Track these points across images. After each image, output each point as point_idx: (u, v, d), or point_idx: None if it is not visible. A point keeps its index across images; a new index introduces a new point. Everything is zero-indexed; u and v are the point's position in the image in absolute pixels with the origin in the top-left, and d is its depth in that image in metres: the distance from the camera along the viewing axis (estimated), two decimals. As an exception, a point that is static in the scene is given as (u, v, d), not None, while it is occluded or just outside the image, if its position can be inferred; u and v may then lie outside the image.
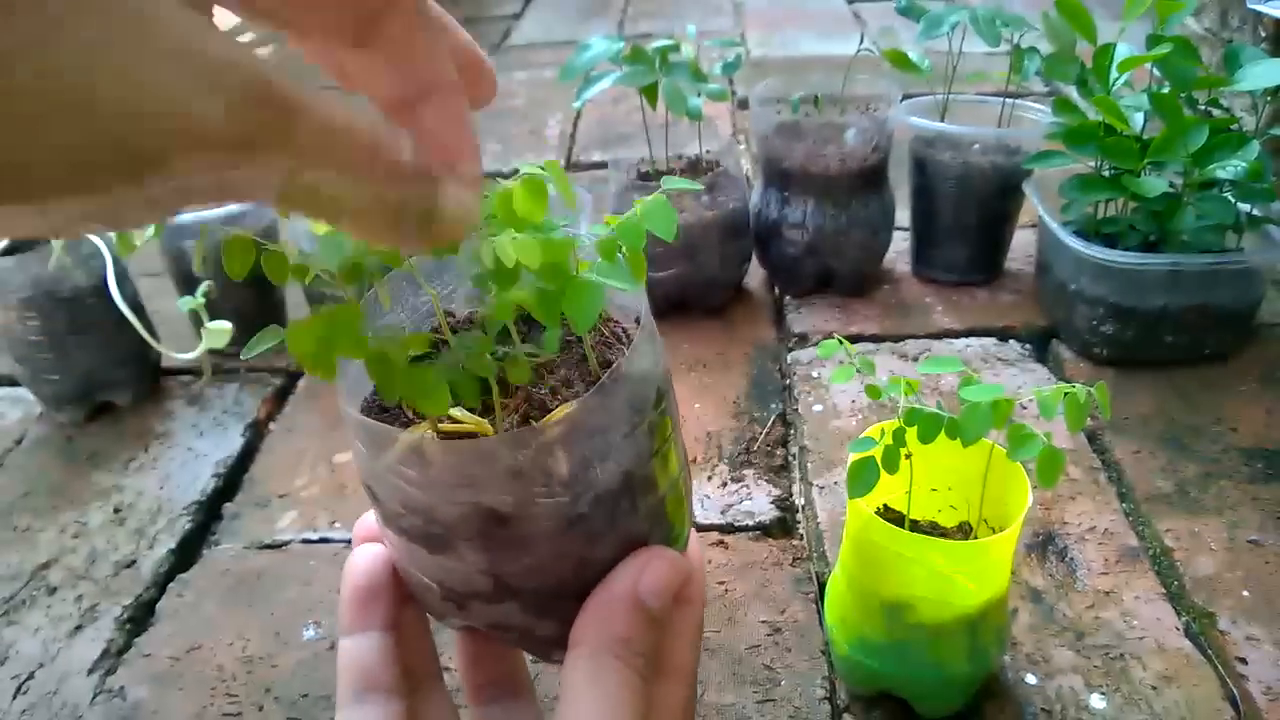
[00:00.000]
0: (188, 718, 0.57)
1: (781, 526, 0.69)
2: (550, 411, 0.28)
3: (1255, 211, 0.77)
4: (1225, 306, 0.80)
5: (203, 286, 0.74)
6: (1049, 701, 0.54)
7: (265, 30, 0.25)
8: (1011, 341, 0.88)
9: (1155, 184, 0.73)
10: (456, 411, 0.28)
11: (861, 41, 0.92)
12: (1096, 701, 0.54)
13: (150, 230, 0.73)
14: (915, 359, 0.85)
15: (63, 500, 0.75)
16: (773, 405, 0.81)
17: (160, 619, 0.64)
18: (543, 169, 0.27)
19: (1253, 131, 0.76)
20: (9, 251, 0.77)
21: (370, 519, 0.33)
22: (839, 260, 0.92)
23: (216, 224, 0.85)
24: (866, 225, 0.91)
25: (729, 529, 0.68)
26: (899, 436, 0.46)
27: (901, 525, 0.50)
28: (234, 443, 0.81)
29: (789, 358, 0.87)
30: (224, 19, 0.23)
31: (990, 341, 0.88)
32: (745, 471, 0.74)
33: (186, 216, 0.84)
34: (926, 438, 0.45)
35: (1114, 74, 0.77)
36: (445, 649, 0.37)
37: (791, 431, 0.79)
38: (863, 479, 0.46)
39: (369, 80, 0.25)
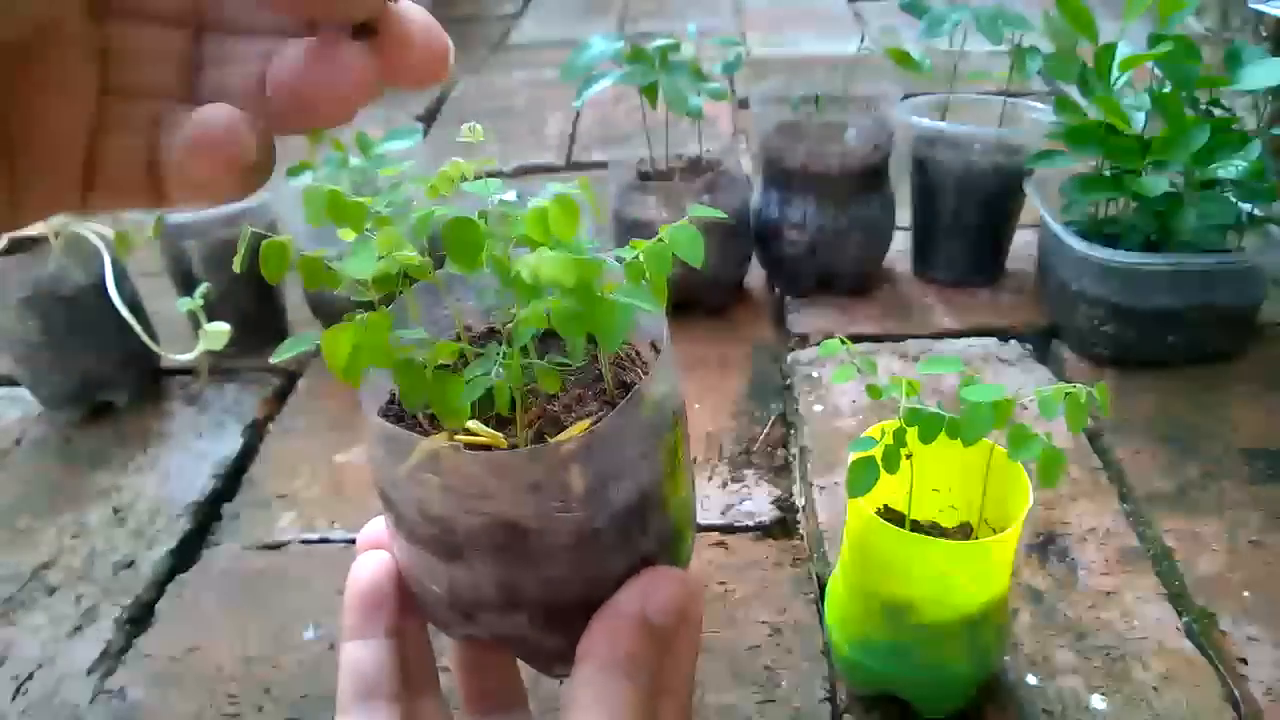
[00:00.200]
0: (187, 718, 0.57)
1: (782, 527, 0.68)
2: (565, 427, 0.29)
3: (1256, 211, 0.77)
4: (1226, 306, 0.79)
5: (201, 288, 0.74)
6: (1050, 702, 0.54)
7: None
8: (1012, 341, 0.87)
9: (1157, 184, 0.73)
10: (472, 424, 0.28)
11: (862, 41, 0.92)
12: (1097, 702, 0.54)
13: (150, 230, 0.73)
14: (916, 359, 0.85)
15: (62, 500, 0.75)
16: (773, 405, 0.81)
17: (159, 619, 0.64)
18: (577, 188, 0.27)
19: (1254, 131, 0.76)
20: (9, 251, 0.77)
21: (375, 525, 0.34)
22: (840, 260, 0.92)
23: (217, 224, 0.85)
24: (867, 225, 0.91)
25: (729, 529, 0.68)
26: (899, 436, 0.46)
27: (902, 525, 0.50)
28: (233, 443, 0.80)
29: (789, 358, 0.87)
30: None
31: (991, 341, 0.88)
32: (745, 472, 0.74)
33: (186, 216, 0.84)
34: (927, 438, 0.45)
35: (1115, 73, 0.77)
36: (439, 656, 0.36)
37: (792, 432, 0.79)
38: (863, 479, 0.46)
39: None
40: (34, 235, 0.77)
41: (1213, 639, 0.57)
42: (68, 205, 0.23)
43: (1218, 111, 0.77)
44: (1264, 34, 1.08)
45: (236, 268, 0.27)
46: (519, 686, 0.37)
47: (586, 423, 0.28)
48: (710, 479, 0.73)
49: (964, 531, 0.55)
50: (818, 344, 0.88)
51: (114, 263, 0.77)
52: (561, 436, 0.28)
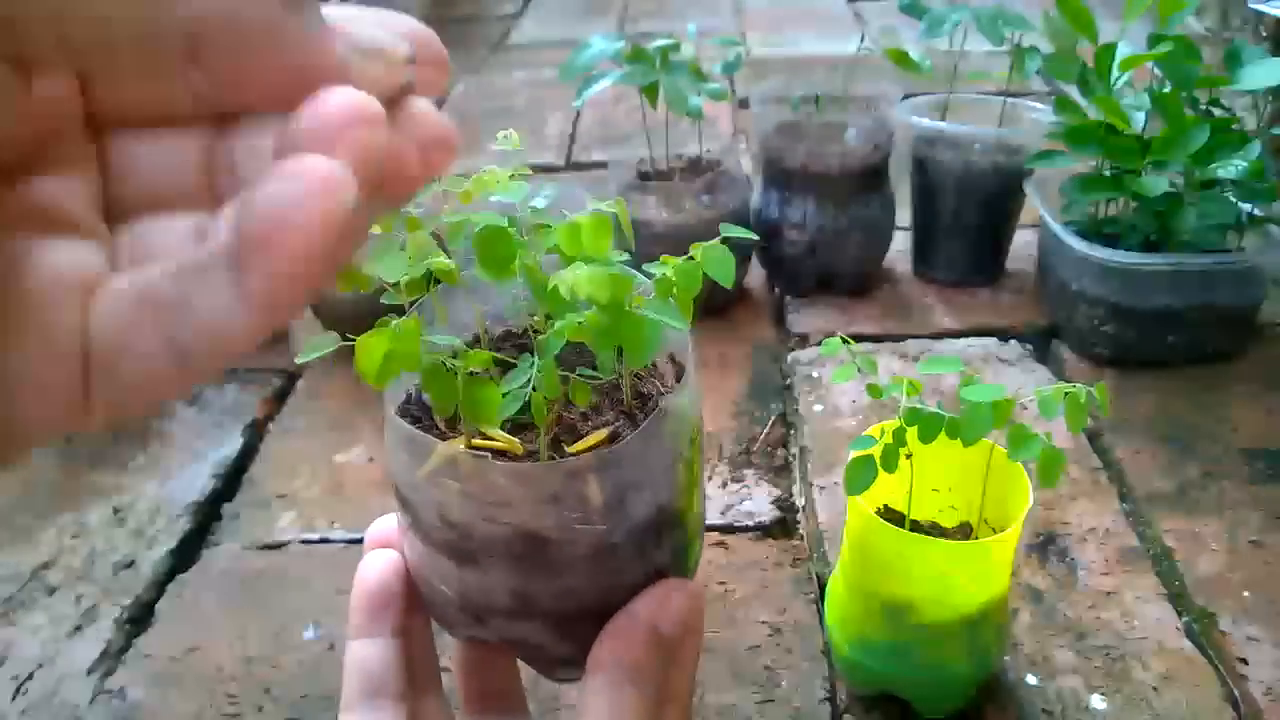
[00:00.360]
0: (187, 718, 0.57)
1: (782, 527, 0.68)
2: (581, 435, 0.29)
3: (1256, 211, 0.77)
4: (1226, 306, 0.79)
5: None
6: (1050, 702, 0.54)
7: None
8: (1012, 341, 0.87)
9: (1156, 183, 0.73)
10: (489, 429, 0.28)
11: (862, 41, 0.92)
12: (1097, 702, 0.54)
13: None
14: (916, 359, 0.85)
15: (62, 500, 0.75)
16: (773, 405, 0.81)
17: (159, 619, 0.64)
18: (612, 207, 0.28)
19: (1254, 131, 0.76)
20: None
21: (383, 524, 0.34)
22: (839, 260, 0.92)
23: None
24: (867, 225, 0.91)
25: (729, 529, 0.68)
26: (899, 436, 0.46)
27: (902, 525, 0.50)
28: (233, 443, 0.80)
29: (789, 358, 0.87)
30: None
31: (991, 341, 0.88)
32: (745, 472, 0.74)
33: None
34: (927, 438, 0.45)
35: (1115, 73, 0.77)
36: (440, 654, 0.36)
37: (792, 432, 0.79)
38: (861, 476, 0.46)
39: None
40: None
41: (1213, 639, 0.57)
42: (66, 416, 0.18)
43: (1217, 111, 0.77)
44: (1264, 34, 1.08)
45: None
46: (519, 688, 0.37)
47: (604, 432, 0.29)
48: (710, 479, 0.73)
49: (964, 531, 0.55)
50: (818, 344, 0.88)
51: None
52: (579, 445, 0.29)
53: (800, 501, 0.71)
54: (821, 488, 0.70)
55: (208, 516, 0.73)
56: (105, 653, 0.61)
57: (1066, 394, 0.44)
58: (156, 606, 0.65)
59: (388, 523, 0.34)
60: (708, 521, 0.69)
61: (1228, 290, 0.79)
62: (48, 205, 0.18)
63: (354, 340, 0.26)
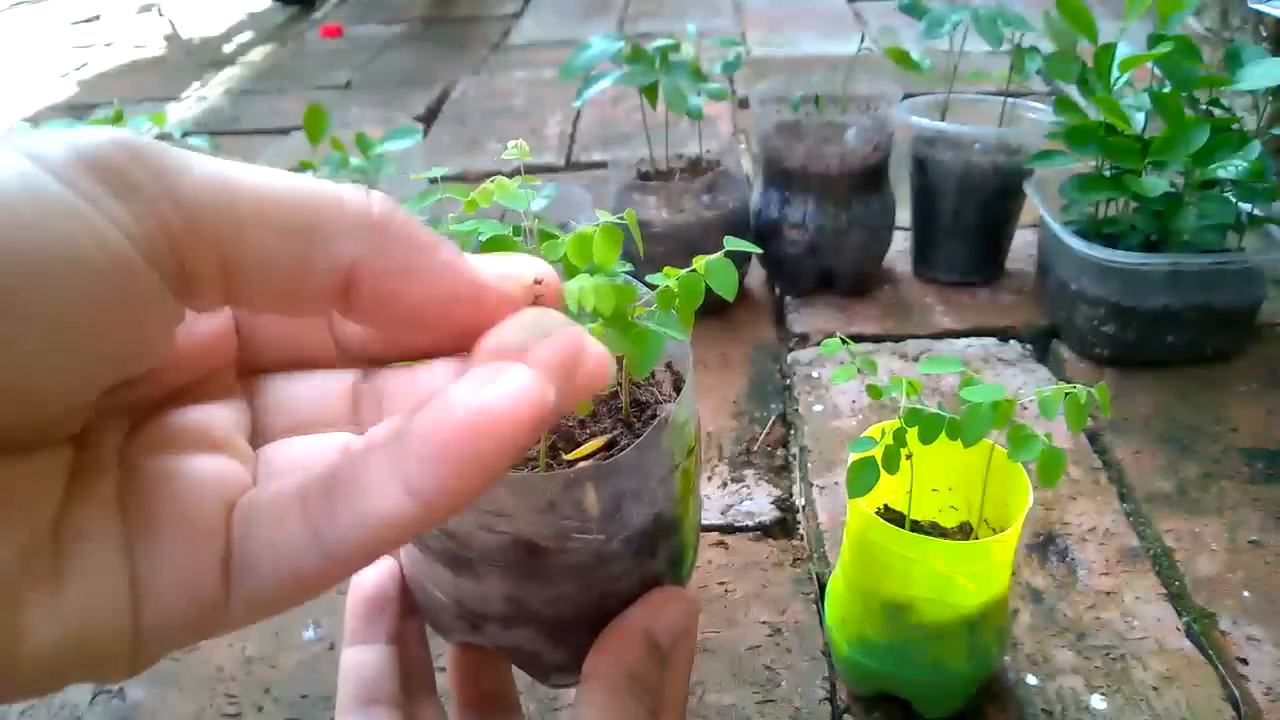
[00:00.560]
0: (187, 718, 0.57)
1: (782, 527, 0.68)
2: (578, 444, 0.29)
3: (1256, 211, 0.77)
4: (1226, 306, 0.79)
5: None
6: (1049, 702, 0.54)
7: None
8: (1012, 341, 0.87)
9: (1156, 184, 0.73)
10: None
11: (862, 41, 0.92)
12: (1097, 702, 0.54)
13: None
14: (916, 359, 0.85)
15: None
16: (773, 405, 0.81)
17: (159, 619, 0.64)
18: (622, 219, 0.28)
19: (1254, 131, 0.76)
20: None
21: None
22: (839, 260, 0.92)
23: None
24: (867, 225, 0.91)
25: (729, 529, 0.68)
26: (899, 437, 0.46)
27: (902, 525, 0.50)
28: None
29: (789, 358, 0.87)
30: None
31: (991, 341, 0.88)
32: (745, 472, 0.74)
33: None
34: (927, 438, 0.45)
35: (1115, 73, 0.77)
36: (435, 656, 0.36)
37: (792, 432, 0.79)
38: (863, 478, 0.46)
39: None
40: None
41: (1213, 639, 0.57)
42: (205, 619, 0.18)
43: (1218, 111, 0.77)
44: (1264, 34, 1.08)
45: None
46: (513, 691, 0.37)
47: (602, 440, 0.29)
48: (710, 479, 0.73)
49: (964, 531, 0.55)
50: (818, 344, 0.88)
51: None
52: (577, 453, 0.29)
53: (800, 501, 0.71)
54: (821, 488, 0.70)
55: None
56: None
57: (1066, 394, 0.44)
58: (156, 606, 0.65)
59: None
60: (708, 521, 0.69)
61: (1227, 290, 0.79)
62: (197, 428, 0.20)
63: None
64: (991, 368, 0.84)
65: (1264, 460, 0.71)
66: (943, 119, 0.92)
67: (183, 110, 1.69)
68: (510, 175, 0.29)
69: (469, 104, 1.59)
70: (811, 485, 0.71)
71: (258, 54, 2.05)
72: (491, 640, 0.32)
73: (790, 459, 0.76)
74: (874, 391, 0.48)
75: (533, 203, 0.29)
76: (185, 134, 0.88)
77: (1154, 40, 0.74)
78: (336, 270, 0.18)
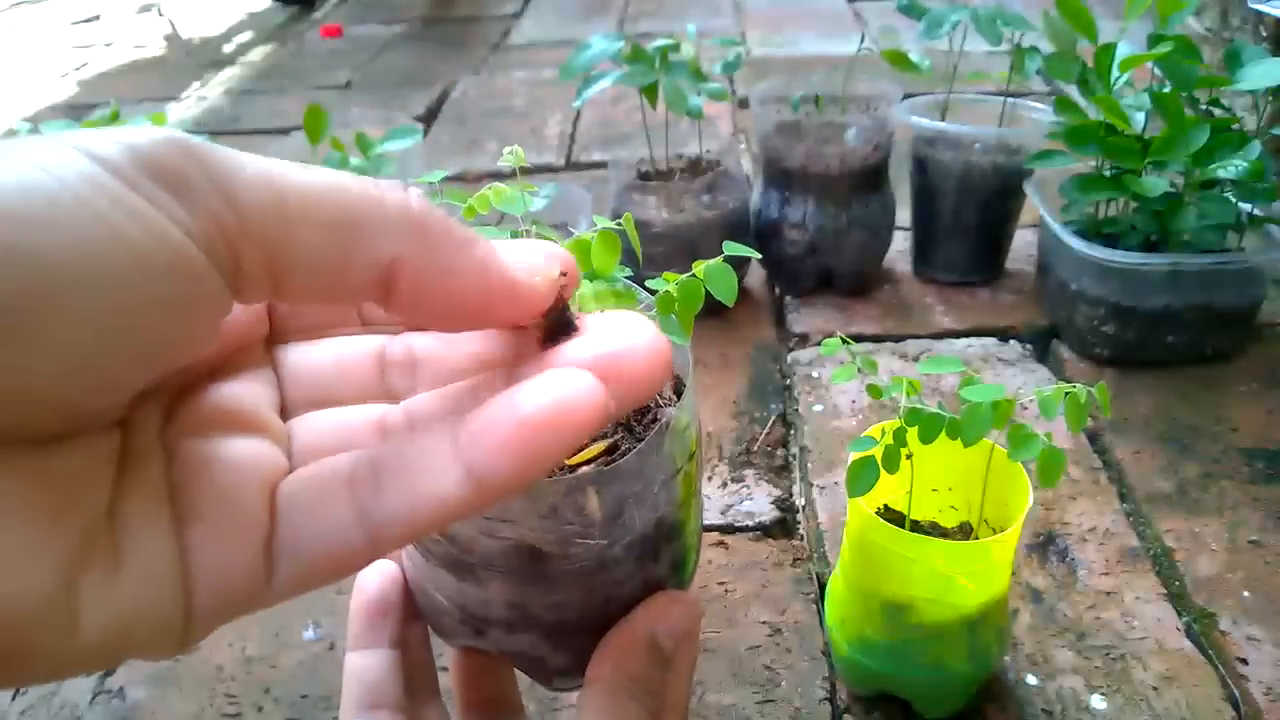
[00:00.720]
0: (187, 718, 0.57)
1: (782, 527, 0.68)
2: (580, 449, 0.29)
3: (1256, 211, 0.77)
4: (1226, 306, 0.79)
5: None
6: (1049, 702, 0.54)
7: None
8: (1012, 341, 0.87)
9: (1156, 184, 0.73)
10: None
11: (862, 41, 0.92)
12: (1097, 702, 0.54)
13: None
14: (916, 359, 0.85)
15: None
16: (773, 405, 0.81)
17: (159, 619, 0.64)
18: (620, 224, 0.28)
19: (1254, 131, 0.76)
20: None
21: None
22: (839, 260, 0.92)
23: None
24: (867, 225, 0.91)
25: (729, 529, 0.68)
26: (900, 436, 0.46)
27: (902, 525, 0.50)
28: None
29: (789, 358, 0.87)
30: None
31: (991, 341, 0.88)
32: (745, 472, 0.74)
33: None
34: (928, 438, 0.45)
35: (1115, 73, 0.77)
36: (437, 656, 0.37)
37: (792, 432, 0.79)
38: (863, 478, 0.46)
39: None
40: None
41: (1213, 639, 0.57)
42: (248, 597, 0.19)
43: (1218, 111, 0.77)
44: (1264, 34, 1.08)
45: None
46: (515, 694, 0.37)
47: (602, 445, 0.29)
48: (710, 479, 0.73)
49: (964, 531, 0.55)
50: (818, 344, 0.88)
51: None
52: (578, 458, 0.29)
53: (800, 501, 0.71)
54: (821, 488, 0.70)
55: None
56: (106, 671, 0.61)
57: (1067, 394, 0.44)
58: (156, 606, 0.65)
59: None
60: (708, 521, 0.69)
61: (1227, 290, 0.79)
62: (232, 409, 0.20)
63: None
64: (991, 368, 0.84)
65: (1264, 460, 0.71)
66: (943, 119, 0.92)
67: (183, 110, 1.69)
68: (510, 175, 0.29)
69: (469, 104, 1.59)
70: (811, 485, 0.71)
71: (258, 54, 2.05)
72: (494, 645, 0.32)
73: (790, 459, 0.76)
74: (874, 391, 0.48)
75: (532, 203, 0.29)
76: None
77: (1154, 40, 0.74)
78: (378, 267, 0.18)
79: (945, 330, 0.89)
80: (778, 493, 0.71)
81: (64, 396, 0.16)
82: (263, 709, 0.57)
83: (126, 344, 0.16)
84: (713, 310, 0.95)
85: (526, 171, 1.41)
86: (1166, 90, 0.74)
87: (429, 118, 1.53)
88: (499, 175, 1.24)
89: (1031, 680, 0.55)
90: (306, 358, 0.23)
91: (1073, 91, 0.81)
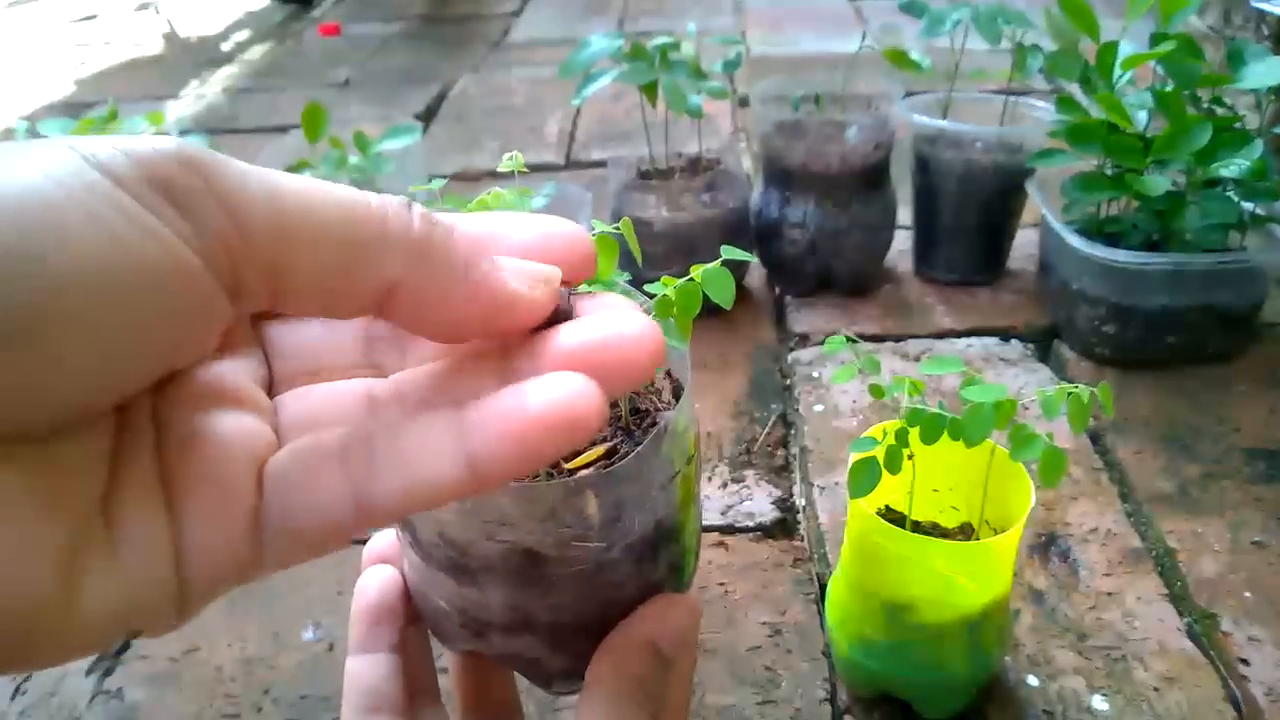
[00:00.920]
0: (186, 719, 0.56)
1: (782, 527, 0.68)
2: (578, 452, 0.29)
3: (1259, 210, 0.77)
4: (1228, 306, 0.79)
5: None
6: (1051, 703, 0.54)
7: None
8: (1013, 341, 0.87)
9: (1158, 183, 0.73)
10: None
11: (863, 39, 0.92)
12: (1098, 703, 0.54)
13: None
14: (917, 359, 0.85)
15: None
16: (773, 405, 0.81)
17: (158, 619, 0.64)
18: (617, 228, 0.28)
19: (1256, 130, 0.75)
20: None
21: (382, 539, 0.34)
22: (840, 260, 0.92)
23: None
24: (868, 224, 0.91)
25: (729, 530, 0.68)
26: (901, 437, 0.46)
27: (903, 526, 0.50)
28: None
29: (790, 358, 0.87)
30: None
31: (992, 341, 0.87)
32: (746, 472, 0.74)
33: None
34: (929, 439, 0.45)
35: (1117, 72, 0.77)
36: (437, 658, 0.36)
37: (792, 432, 0.78)
38: (864, 479, 0.46)
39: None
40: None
41: (1214, 640, 0.57)
42: (236, 571, 0.19)
43: (1220, 110, 0.77)
44: (1266, 32, 1.08)
45: None
46: (515, 698, 0.37)
47: (601, 448, 0.29)
48: (710, 479, 0.73)
49: (965, 532, 0.54)
50: (818, 344, 0.88)
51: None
52: (577, 461, 0.29)
53: (800, 502, 0.71)
54: (822, 488, 0.70)
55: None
56: (103, 653, 0.61)
57: (1070, 395, 0.43)
58: (155, 607, 0.65)
59: (386, 538, 0.34)
60: (708, 521, 0.68)
61: (1229, 290, 0.78)
62: (218, 384, 0.21)
63: None
64: (993, 367, 0.83)
65: (1266, 460, 0.71)
66: (944, 117, 0.92)
67: (181, 108, 1.69)
68: (509, 176, 0.29)
69: (468, 102, 1.59)
70: (812, 485, 0.71)
71: (256, 52, 2.04)
72: (494, 648, 0.32)
73: (790, 459, 0.75)
74: (876, 391, 0.48)
75: (531, 204, 0.29)
76: (184, 132, 0.87)
77: (1156, 39, 0.74)
78: (378, 286, 0.18)
79: (946, 330, 0.89)
80: (778, 493, 0.71)
81: (66, 400, 0.16)
82: (262, 710, 0.57)
83: (129, 351, 0.16)
84: (713, 310, 0.94)
85: (528, 170, 1.42)
86: (1169, 89, 0.74)
87: (428, 116, 1.53)
88: (498, 174, 1.24)
89: (1032, 681, 0.55)
90: (294, 333, 0.24)
91: (1075, 90, 0.81)
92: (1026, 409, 0.45)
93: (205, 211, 0.16)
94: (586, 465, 0.29)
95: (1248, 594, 0.60)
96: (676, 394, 0.32)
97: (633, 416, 0.31)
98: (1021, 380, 0.81)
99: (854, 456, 0.46)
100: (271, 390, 0.22)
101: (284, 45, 2.08)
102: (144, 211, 0.15)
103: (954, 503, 0.55)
